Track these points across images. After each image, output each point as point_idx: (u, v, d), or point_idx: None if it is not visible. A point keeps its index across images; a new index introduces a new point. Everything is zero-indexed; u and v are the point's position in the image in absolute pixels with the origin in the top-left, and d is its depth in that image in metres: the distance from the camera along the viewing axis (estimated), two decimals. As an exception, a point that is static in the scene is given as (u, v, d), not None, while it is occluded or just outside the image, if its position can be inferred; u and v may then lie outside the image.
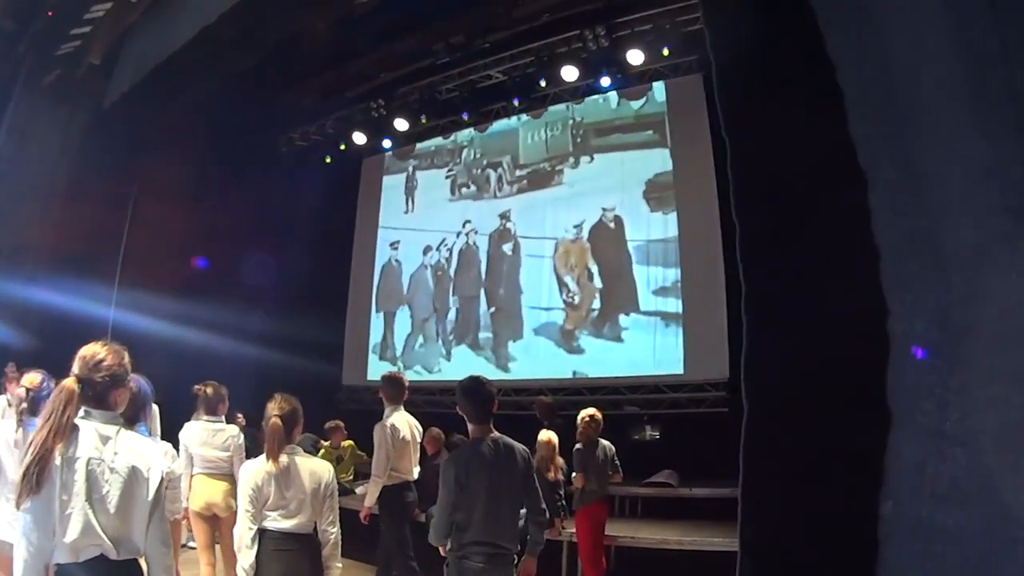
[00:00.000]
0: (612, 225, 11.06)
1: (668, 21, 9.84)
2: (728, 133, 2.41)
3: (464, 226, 12.84)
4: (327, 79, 13.01)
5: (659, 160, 10.84)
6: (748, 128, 2.37)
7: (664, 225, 10.52)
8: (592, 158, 11.61)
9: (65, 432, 2.54)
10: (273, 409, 4.00)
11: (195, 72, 9.76)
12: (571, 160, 11.83)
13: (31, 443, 2.50)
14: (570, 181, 11.79)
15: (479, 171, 12.85)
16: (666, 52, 10.28)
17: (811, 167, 2.18)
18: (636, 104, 11.32)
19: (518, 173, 12.44)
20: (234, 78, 10.67)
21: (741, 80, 2.46)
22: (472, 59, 11.75)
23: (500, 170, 12.65)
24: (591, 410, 7.00)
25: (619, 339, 10.66)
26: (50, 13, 9.88)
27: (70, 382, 2.64)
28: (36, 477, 2.44)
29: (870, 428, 1.92)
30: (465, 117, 12.74)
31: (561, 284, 11.45)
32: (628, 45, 10.25)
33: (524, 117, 12.41)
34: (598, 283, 11.08)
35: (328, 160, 14.37)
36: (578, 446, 6.81)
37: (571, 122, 11.96)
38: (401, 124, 12.61)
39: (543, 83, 11.47)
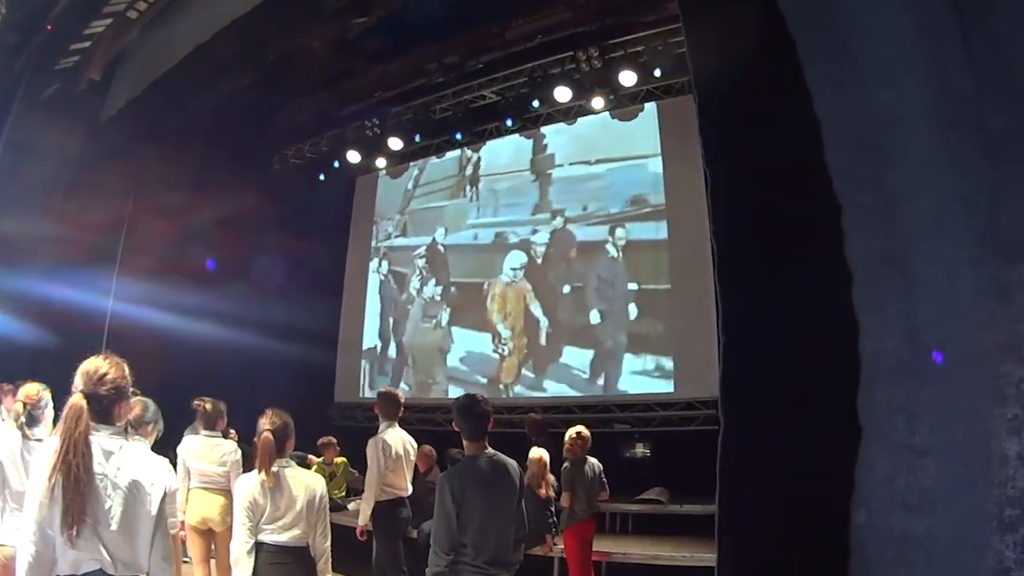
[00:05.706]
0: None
1: (660, 43, 9.92)
2: (707, 161, 2.50)
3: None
4: (322, 98, 13.05)
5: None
6: (727, 156, 2.45)
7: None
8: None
9: (80, 449, 2.55)
10: (265, 424, 4.05)
11: (190, 88, 9.84)
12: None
13: (52, 463, 2.51)
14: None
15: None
16: (658, 73, 10.38)
17: (787, 193, 2.27)
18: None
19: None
20: (230, 95, 10.75)
21: (721, 110, 2.54)
22: (466, 79, 11.84)
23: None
24: (579, 428, 6.91)
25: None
26: (48, 27, 9.95)
27: (78, 399, 2.64)
28: (71, 495, 2.48)
29: (843, 441, 2.00)
30: (459, 137, 12.81)
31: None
32: (621, 66, 10.35)
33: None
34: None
35: (322, 178, 14.38)
36: (566, 464, 6.75)
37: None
38: (395, 143, 12.68)
39: (536, 103, 11.55)
